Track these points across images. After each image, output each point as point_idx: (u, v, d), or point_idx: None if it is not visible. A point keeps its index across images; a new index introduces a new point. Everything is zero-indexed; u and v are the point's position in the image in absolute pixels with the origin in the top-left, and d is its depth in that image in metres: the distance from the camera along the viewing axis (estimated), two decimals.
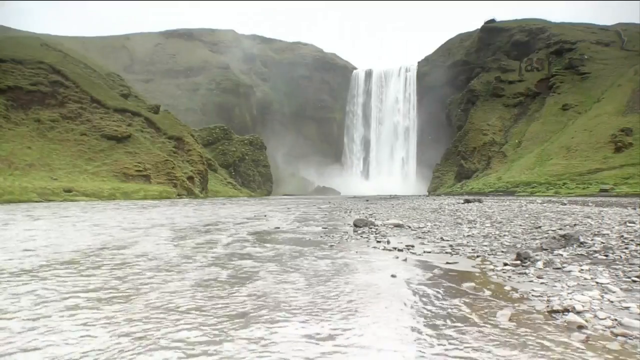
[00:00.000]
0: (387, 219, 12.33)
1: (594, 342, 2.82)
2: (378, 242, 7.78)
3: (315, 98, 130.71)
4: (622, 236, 7.14)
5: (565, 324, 3.16)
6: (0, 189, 29.12)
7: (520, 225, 9.86)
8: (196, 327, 3.16)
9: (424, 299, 3.94)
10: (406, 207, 21.32)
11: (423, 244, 7.47)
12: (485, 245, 6.99)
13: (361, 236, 8.76)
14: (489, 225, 10.19)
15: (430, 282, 4.64)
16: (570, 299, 3.65)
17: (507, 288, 4.25)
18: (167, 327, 3.16)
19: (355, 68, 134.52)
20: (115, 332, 3.03)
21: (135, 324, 3.20)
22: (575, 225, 9.35)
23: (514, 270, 4.99)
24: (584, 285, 4.20)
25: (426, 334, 3.02)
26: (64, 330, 3.09)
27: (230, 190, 73.06)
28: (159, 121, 62.43)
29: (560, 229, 8.64)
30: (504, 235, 8.14)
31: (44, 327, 3.13)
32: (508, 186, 53.78)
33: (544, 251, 6.19)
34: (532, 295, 3.92)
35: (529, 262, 5.30)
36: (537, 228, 9.05)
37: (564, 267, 5.04)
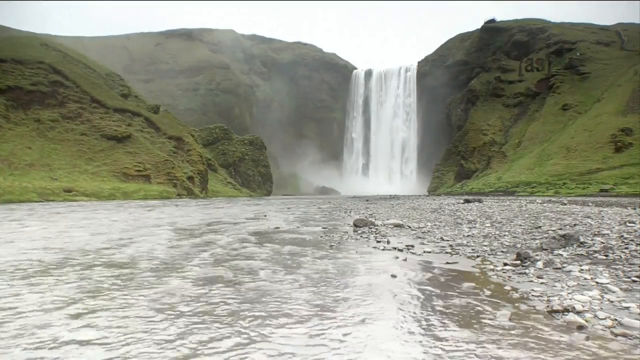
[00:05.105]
0: (387, 219, 12.32)
1: (593, 342, 2.82)
2: (378, 242, 7.77)
3: (315, 98, 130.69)
4: (622, 236, 7.14)
5: (565, 324, 3.16)
6: (0, 189, 29.11)
7: (520, 225, 9.86)
8: (197, 326, 3.16)
9: (423, 299, 3.94)
10: (406, 207, 21.32)
11: (423, 244, 7.47)
12: (485, 245, 6.99)
13: (361, 236, 8.75)
14: (489, 225, 10.19)
15: (430, 282, 4.64)
16: (570, 299, 3.65)
17: (507, 288, 4.25)
18: (167, 325, 3.16)
19: (355, 68, 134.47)
20: (112, 330, 3.04)
21: (133, 325, 3.20)
22: (575, 225, 9.35)
23: (514, 270, 4.99)
24: (584, 285, 4.19)
25: (426, 334, 3.02)
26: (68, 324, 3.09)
27: (230, 190, 73.03)
28: (158, 121, 62.42)
29: (560, 229, 8.64)
30: (504, 235, 8.14)
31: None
32: (508, 186, 53.77)
33: (544, 251, 6.19)
34: (532, 295, 3.92)
35: (529, 262, 5.29)
36: (537, 228, 9.05)
37: (564, 267, 5.04)
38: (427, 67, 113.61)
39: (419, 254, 6.40)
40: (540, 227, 9.21)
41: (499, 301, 3.80)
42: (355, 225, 10.42)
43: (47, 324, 3.20)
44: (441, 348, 2.76)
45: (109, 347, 2.77)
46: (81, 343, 2.84)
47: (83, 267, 5.54)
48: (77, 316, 3.41)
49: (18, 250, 6.89)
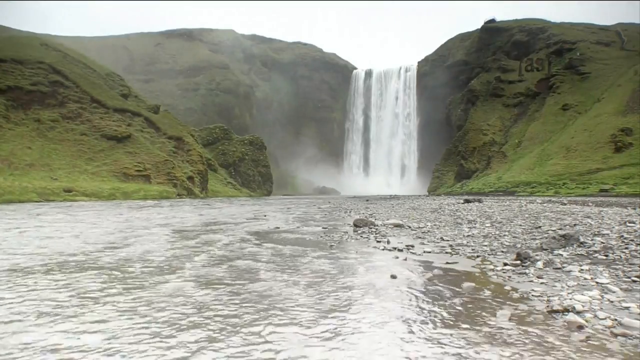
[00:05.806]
0: (387, 219, 12.33)
1: (593, 342, 2.82)
2: (378, 242, 7.78)
3: (315, 98, 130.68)
4: (622, 236, 7.14)
5: (565, 324, 3.16)
6: (0, 189, 29.11)
7: (520, 225, 9.86)
8: (197, 326, 3.16)
9: (423, 299, 3.94)
10: (406, 207, 21.32)
11: (423, 244, 7.47)
12: (485, 245, 7.00)
13: (361, 236, 8.76)
14: (489, 225, 10.19)
15: (430, 282, 4.64)
16: (570, 299, 3.66)
17: (507, 288, 4.25)
18: (168, 325, 3.16)
19: (355, 68, 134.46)
20: (111, 331, 3.04)
21: (132, 325, 3.21)
22: (575, 225, 9.35)
23: (514, 270, 5.00)
24: (584, 285, 4.20)
25: (426, 335, 3.02)
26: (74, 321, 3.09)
27: (230, 190, 72.98)
28: (158, 121, 62.40)
29: (560, 229, 8.64)
30: (504, 235, 8.14)
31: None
32: (508, 186, 53.77)
33: (544, 251, 6.19)
34: (532, 295, 3.92)
35: (529, 262, 5.30)
36: (537, 228, 9.05)
37: (564, 267, 5.04)
38: (427, 67, 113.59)
39: (419, 254, 6.41)
40: (540, 227, 9.21)
41: (499, 301, 3.81)
42: (355, 225, 10.42)
43: (33, 330, 3.20)
44: (442, 348, 2.76)
45: (103, 352, 2.78)
46: (70, 350, 2.84)
47: (75, 270, 5.53)
48: (65, 322, 3.41)
49: (4, 254, 6.89)
